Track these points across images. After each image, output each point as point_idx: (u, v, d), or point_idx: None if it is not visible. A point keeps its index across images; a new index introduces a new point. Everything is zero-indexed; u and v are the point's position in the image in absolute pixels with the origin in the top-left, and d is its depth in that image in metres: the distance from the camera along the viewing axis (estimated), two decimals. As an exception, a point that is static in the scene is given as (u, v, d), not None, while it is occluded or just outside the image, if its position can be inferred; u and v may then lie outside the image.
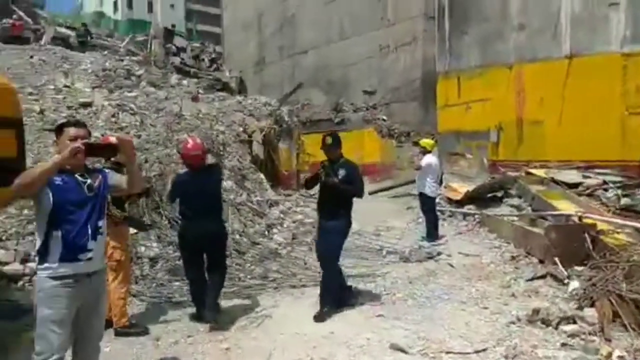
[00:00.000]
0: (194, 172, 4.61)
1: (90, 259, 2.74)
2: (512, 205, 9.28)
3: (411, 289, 5.52)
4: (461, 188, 10.47)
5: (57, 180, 2.66)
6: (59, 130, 2.83)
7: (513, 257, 6.64)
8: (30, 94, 10.39)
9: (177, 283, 5.67)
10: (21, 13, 21.56)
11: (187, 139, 5.32)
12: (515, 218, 8.37)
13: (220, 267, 4.77)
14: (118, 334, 4.29)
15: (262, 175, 10.32)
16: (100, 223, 2.82)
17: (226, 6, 31.09)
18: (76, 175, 2.76)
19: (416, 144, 14.16)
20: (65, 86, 11.97)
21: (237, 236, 7.40)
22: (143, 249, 6.44)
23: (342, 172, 4.74)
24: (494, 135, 12.86)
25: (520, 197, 9.45)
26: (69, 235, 2.67)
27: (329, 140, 4.81)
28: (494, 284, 5.64)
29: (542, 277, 5.67)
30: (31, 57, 14.65)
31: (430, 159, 8.30)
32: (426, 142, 8.80)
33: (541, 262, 6.19)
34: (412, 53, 18.70)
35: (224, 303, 5.02)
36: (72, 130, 2.78)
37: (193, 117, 10.72)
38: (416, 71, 18.40)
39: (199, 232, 4.50)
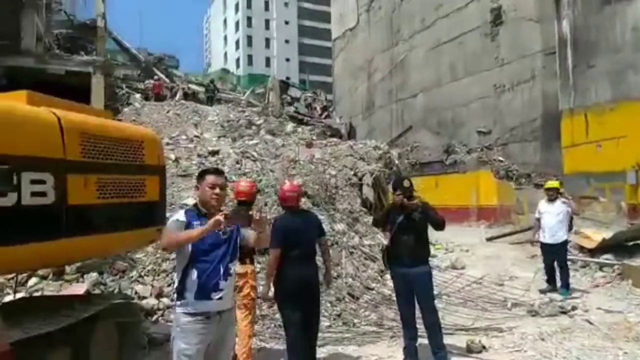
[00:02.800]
0: (293, 214, 4.44)
1: (221, 298, 2.91)
2: (660, 256, 8.11)
3: (544, 347, 4.97)
4: (595, 235, 9.41)
5: (196, 223, 2.90)
6: (200, 176, 3.10)
7: (668, 317, 5.73)
8: (167, 144, 11.64)
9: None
10: (160, 74, 24.61)
11: (285, 181, 5.27)
12: (667, 271, 7.27)
13: (318, 320, 4.43)
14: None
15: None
16: (231, 265, 3.00)
17: (337, 55, 32.56)
18: (213, 219, 2.97)
19: (541, 187, 13.17)
20: (196, 136, 13.27)
21: (350, 280, 7.35)
22: (261, 288, 6.63)
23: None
24: (632, 176, 11.54)
25: (670, 246, 8.23)
26: (203, 275, 2.88)
27: (407, 183, 4.72)
28: (647, 348, 4.88)
29: None
30: (167, 111, 16.57)
31: (569, 202, 7.59)
32: (555, 183, 8.05)
33: None
34: (530, 91, 17.75)
35: (341, 349, 4.93)
36: (211, 178, 3.02)
37: (307, 162, 11.13)
38: (535, 109, 17.37)
39: (302, 276, 4.17)
